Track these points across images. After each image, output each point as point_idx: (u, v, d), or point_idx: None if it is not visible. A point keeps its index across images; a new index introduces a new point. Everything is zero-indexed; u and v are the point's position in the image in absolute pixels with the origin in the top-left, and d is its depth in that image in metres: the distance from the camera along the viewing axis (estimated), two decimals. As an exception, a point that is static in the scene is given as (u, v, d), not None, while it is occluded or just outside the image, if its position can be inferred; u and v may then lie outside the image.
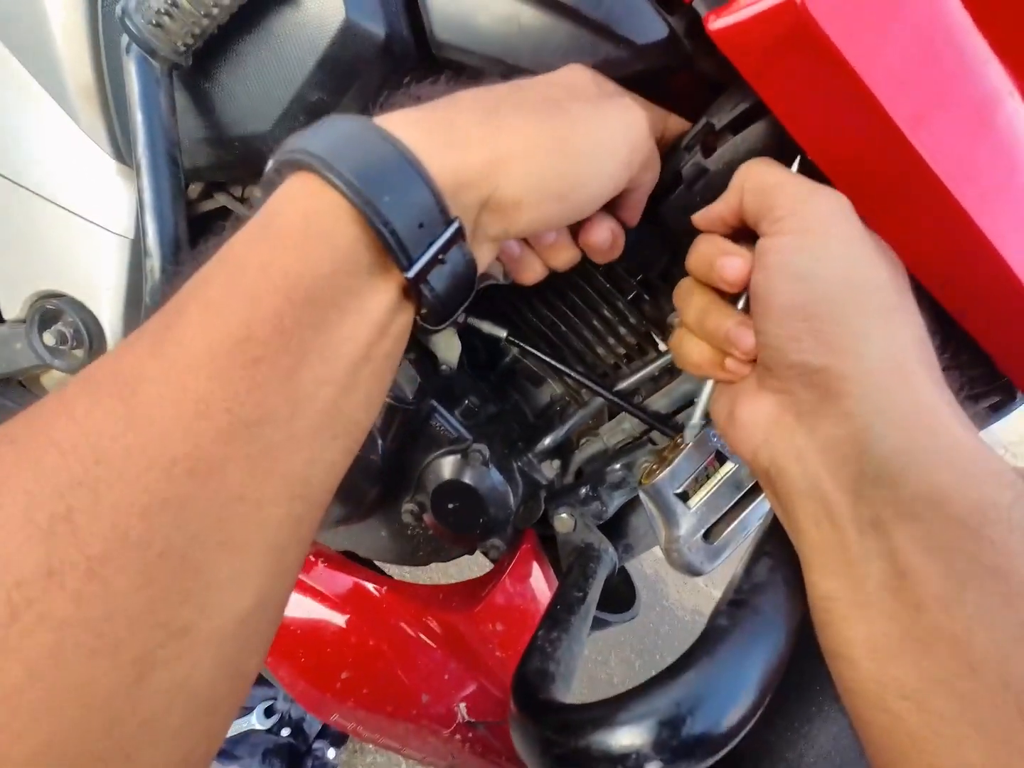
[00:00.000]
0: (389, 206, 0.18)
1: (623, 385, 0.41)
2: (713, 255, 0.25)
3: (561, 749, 0.18)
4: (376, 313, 0.19)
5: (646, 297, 0.40)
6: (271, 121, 0.31)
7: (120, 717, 0.14)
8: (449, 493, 0.37)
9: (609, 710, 0.18)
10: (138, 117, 0.26)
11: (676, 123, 0.29)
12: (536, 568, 0.41)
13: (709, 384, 0.27)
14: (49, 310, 0.41)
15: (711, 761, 0.17)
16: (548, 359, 0.40)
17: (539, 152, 0.21)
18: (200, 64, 0.29)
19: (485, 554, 0.44)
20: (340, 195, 0.18)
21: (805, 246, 0.20)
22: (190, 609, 0.15)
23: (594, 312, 0.41)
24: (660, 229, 0.31)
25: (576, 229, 0.27)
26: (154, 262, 0.28)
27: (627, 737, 0.17)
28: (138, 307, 0.42)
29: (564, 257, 0.27)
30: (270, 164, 0.20)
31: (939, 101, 0.19)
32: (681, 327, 0.27)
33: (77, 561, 0.14)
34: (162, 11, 0.25)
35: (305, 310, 0.17)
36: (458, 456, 0.37)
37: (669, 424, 0.39)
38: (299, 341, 0.17)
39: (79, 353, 0.43)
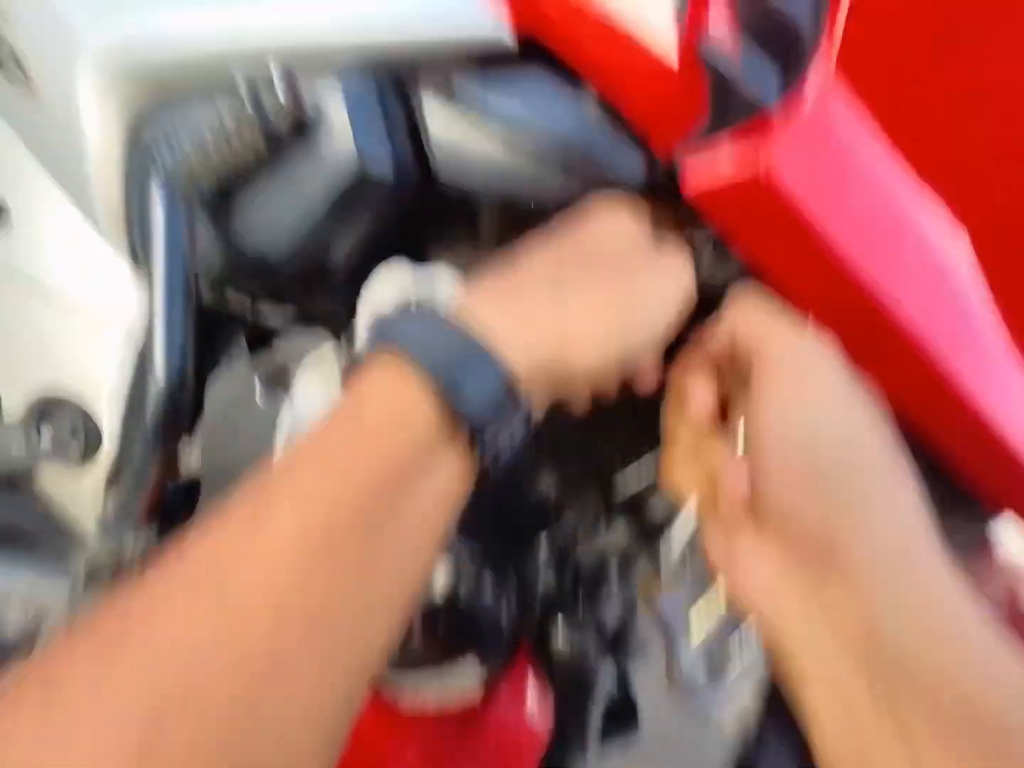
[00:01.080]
0: (471, 399, 0.19)
1: (622, 488, 0.40)
2: (685, 383, 0.25)
3: None
4: (443, 485, 0.20)
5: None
6: (283, 247, 0.33)
7: None
8: (438, 614, 0.36)
9: None
10: (159, 247, 0.28)
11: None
12: (531, 689, 0.38)
13: (692, 512, 0.26)
14: (48, 408, 0.42)
15: None
16: (544, 453, 0.39)
17: (606, 331, 0.22)
18: (221, 198, 0.32)
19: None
20: (426, 389, 0.19)
21: (800, 400, 0.21)
22: None
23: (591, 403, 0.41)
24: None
25: None
26: (158, 383, 0.29)
27: None
28: (138, 410, 0.42)
29: (611, 394, 0.28)
30: (359, 346, 0.21)
31: (898, 261, 0.21)
32: (670, 449, 0.27)
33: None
34: (192, 160, 0.28)
35: (384, 500, 0.18)
36: (448, 573, 0.36)
37: (667, 530, 0.38)
38: (377, 530, 0.18)
39: (74, 448, 0.43)
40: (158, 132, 0.32)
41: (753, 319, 0.23)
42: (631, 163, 0.29)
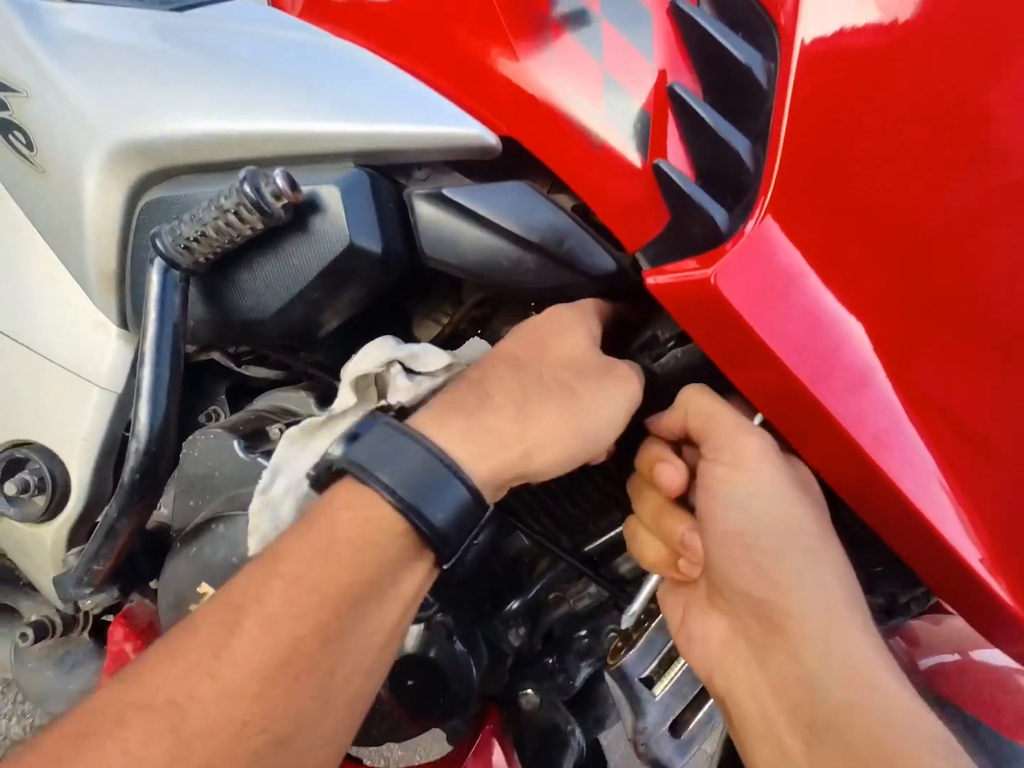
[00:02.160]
0: (439, 517, 0.21)
1: (590, 546, 0.42)
2: (652, 459, 0.28)
3: None
4: (410, 593, 0.21)
5: (610, 461, 0.43)
6: (271, 312, 0.35)
7: None
8: (409, 668, 0.36)
9: None
10: (152, 316, 0.30)
11: (620, 310, 0.34)
12: (498, 752, 0.38)
13: (655, 576, 0.29)
14: (16, 458, 0.41)
15: None
16: (514, 521, 0.41)
17: (560, 440, 0.24)
18: (215, 265, 0.33)
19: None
20: (397, 512, 0.21)
21: (739, 480, 0.23)
22: None
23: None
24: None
25: None
26: (139, 444, 0.29)
27: None
28: (110, 458, 0.42)
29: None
30: (330, 455, 0.23)
31: (828, 364, 0.24)
32: (635, 518, 0.29)
33: None
34: (191, 238, 0.29)
35: (349, 615, 0.19)
36: (421, 627, 0.36)
37: (632, 591, 0.40)
38: (339, 646, 0.19)
39: (40, 501, 0.42)
40: (159, 212, 0.34)
41: (700, 407, 0.26)
42: (600, 258, 0.32)
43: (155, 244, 0.30)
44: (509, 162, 0.33)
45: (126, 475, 0.30)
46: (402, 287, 0.39)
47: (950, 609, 0.53)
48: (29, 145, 0.35)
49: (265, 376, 0.47)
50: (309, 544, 0.20)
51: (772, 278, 0.24)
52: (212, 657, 0.18)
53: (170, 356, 0.30)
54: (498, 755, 0.38)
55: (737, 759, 0.25)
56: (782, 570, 0.22)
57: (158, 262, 0.30)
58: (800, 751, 0.20)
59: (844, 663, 0.20)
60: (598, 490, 0.43)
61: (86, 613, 0.45)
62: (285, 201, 0.29)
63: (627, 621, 0.29)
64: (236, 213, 0.28)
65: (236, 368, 0.46)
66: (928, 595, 0.35)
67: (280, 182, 0.28)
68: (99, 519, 0.36)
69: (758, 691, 0.22)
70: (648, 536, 0.28)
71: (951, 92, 0.22)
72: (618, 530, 0.41)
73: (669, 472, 0.26)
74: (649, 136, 0.28)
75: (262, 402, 0.47)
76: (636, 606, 0.29)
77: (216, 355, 0.45)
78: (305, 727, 0.18)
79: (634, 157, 0.29)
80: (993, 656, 0.47)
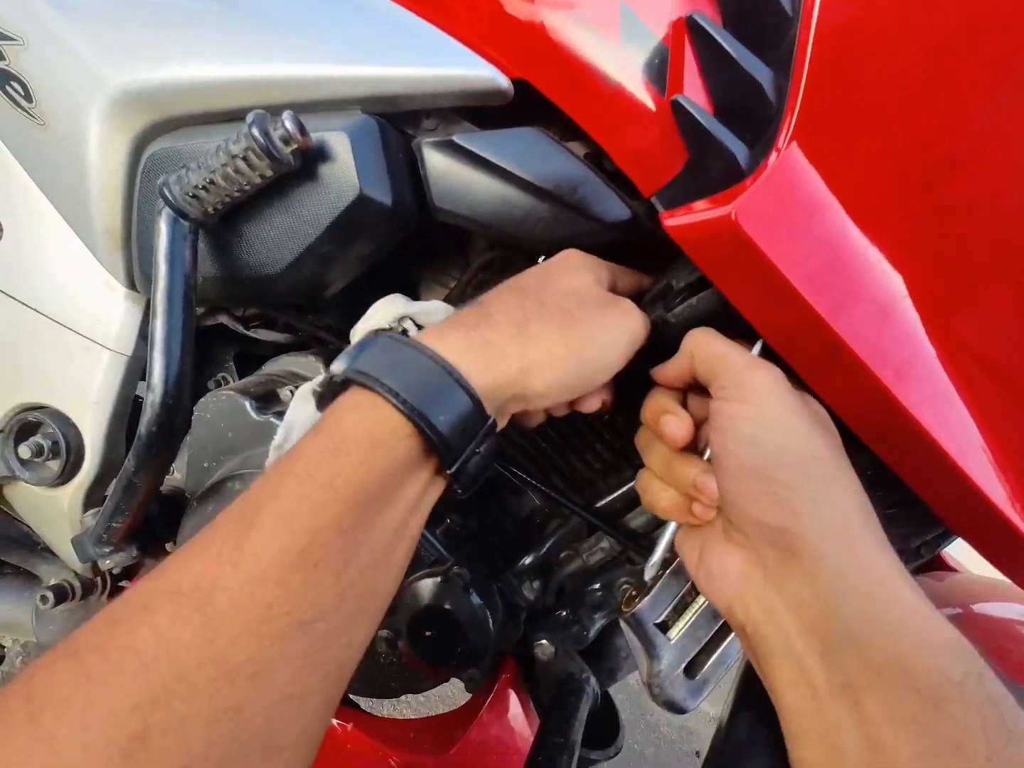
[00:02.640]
0: (442, 421, 0.22)
1: (601, 503, 0.42)
2: (658, 411, 0.28)
3: None
4: (415, 496, 0.22)
5: (618, 417, 0.43)
6: (282, 266, 0.34)
7: None
8: (427, 619, 0.36)
9: None
10: (162, 268, 0.29)
11: (632, 277, 0.34)
12: (515, 701, 0.39)
13: (672, 525, 0.29)
14: (29, 422, 0.41)
15: None
16: (526, 476, 0.41)
17: (559, 362, 0.25)
18: (224, 218, 0.33)
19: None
20: (402, 415, 0.21)
21: (749, 415, 0.23)
22: None
23: (568, 426, 0.44)
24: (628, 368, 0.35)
25: None
26: (156, 396, 0.29)
27: None
28: (122, 421, 0.42)
29: (562, 412, 0.31)
30: (333, 371, 0.24)
31: (850, 297, 0.23)
32: (646, 470, 0.29)
33: None
34: (200, 186, 0.29)
35: (361, 511, 0.20)
36: (438, 579, 0.36)
37: (645, 543, 0.40)
38: (352, 538, 0.20)
39: (54, 465, 0.42)
40: (165, 163, 0.33)
41: (707, 350, 0.26)
42: (613, 205, 0.32)
43: (163, 193, 0.29)
44: (519, 114, 0.32)
45: (143, 427, 0.30)
46: (409, 250, 0.39)
47: (953, 566, 0.54)
48: (28, 96, 0.34)
49: (274, 340, 0.46)
50: (319, 445, 0.21)
51: (794, 212, 0.23)
52: (233, 548, 0.18)
53: (182, 307, 0.30)
54: (514, 703, 0.39)
55: (741, 720, 0.25)
56: (798, 498, 0.22)
57: (166, 212, 0.30)
58: (818, 665, 0.21)
59: (859, 579, 0.21)
60: (607, 447, 0.43)
61: (103, 577, 0.45)
62: (294, 146, 0.28)
63: (649, 571, 0.30)
64: (245, 159, 0.28)
65: (244, 331, 0.45)
66: (939, 539, 0.36)
67: (289, 125, 0.28)
68: (114, 480, 0.36)
69: (775, 613, 0.22)
70: (660, 485, 0.28)
71: (986, 7, 0.21)
72: (628, 486, 0.42)
73: (673, 423, 0.27)
74: (667, 72, 0.27)
75: (271, 367, 0.47)
76: (656, 556, 0.29)
77: (224, 318, 0.45)
78: (326, 613, 0.19)
79: (651, 95, 0.28)
80: (996, 609, 0.47)
